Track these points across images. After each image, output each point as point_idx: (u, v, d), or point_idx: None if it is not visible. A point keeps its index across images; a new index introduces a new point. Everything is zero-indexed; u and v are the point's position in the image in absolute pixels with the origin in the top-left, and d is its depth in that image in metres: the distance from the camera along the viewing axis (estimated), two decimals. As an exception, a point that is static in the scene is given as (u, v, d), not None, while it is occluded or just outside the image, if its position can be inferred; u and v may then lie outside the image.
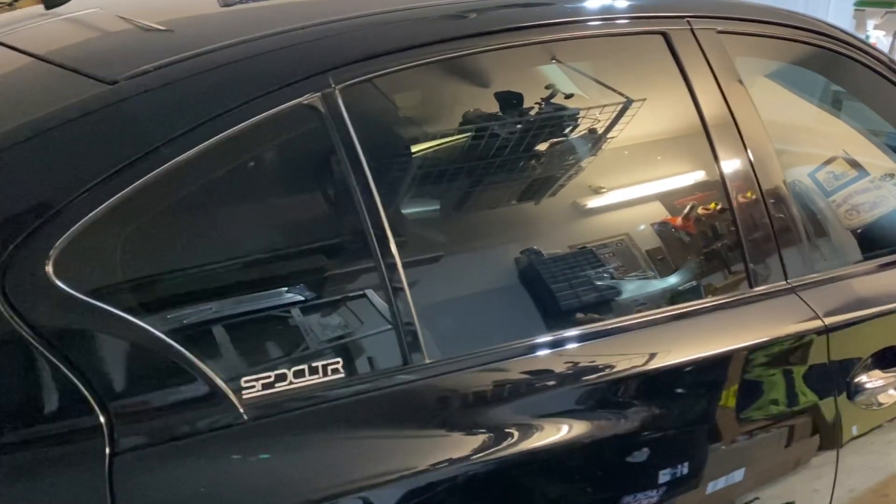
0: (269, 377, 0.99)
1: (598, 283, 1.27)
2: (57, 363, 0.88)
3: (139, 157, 0.95)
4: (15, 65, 1.19)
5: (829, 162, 2.04)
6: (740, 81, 1.48)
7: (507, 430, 1.11)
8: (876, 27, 4.92)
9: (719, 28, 1.49)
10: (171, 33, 1.27)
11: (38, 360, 0.88)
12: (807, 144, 2.15)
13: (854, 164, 2.00)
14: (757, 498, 1.38)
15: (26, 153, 0.95)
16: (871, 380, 1.47)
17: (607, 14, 1.39)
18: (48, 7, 1.45)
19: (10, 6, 1.66)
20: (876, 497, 1.61)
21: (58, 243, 0.89)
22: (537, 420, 1.14)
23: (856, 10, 4.94)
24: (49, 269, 0.89)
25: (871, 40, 4.56)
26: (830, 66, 1.82)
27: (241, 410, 0.96)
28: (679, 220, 1.44)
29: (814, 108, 2.17)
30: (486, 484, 1.09)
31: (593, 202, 1.35)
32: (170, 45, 1.17)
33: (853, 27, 4.90)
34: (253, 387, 0.98)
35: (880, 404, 1.50)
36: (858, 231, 1.86)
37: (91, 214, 0.91)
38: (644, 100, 1.39)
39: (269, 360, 1.00)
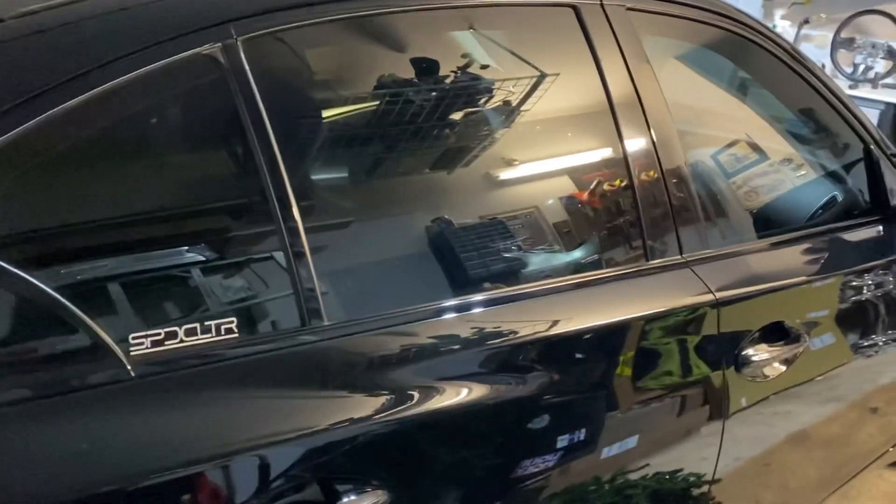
0: (159, 334, 0.96)
1: (505, 252, 1.28)
2: None
3: (23, 100, 0.91)
4: None
5: (731, 145, 2.11)
6: (647, 60, 1.51)
7: (408, 392, 1.11)
8: (782, 17, 5.09)
9: (629, 5, 1.51)
10: None
11: None
12: (711, 127, 2.21)
13: (755, 148, 2.08)
14: (647, 464, 1.43)
15: None
16: (757, 353, 1.53)
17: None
18: None
19: None
20: (758, 466, 1.68)
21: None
22: (439, 382, 1.15)
23: (764, 0, 5.08)
24: None
25: (777, 30, 4.71)
26: (737, 50, 1.87)
27: (129, 367, 0.93)
28: (585, 195, 1.46)
29: (720, 91, 2.22)
30: (385, 445, 1.09)
31: (502, 173, 1.36)
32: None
33: (761, 17, 5.05)
34: (142, 343, 0.95)
35: (766, 377, 1.57)
36: (755, 211, 1.93)
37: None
38: (555, 74, 1.40)
39: (160, 318, 0.98)
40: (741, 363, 1.51)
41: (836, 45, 4.76)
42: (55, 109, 0.92)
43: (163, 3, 1.07)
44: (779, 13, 5.08)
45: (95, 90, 0.95)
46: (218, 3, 1.09)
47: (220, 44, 1.04)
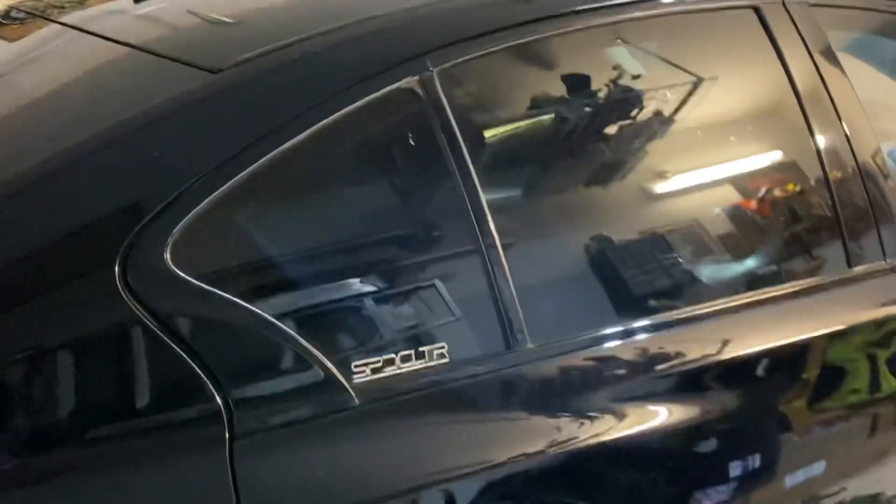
0: (378, 362, 0.98)
1: (704, 265, 1.25)
2: (176, 349, 0.89)
3: (249, 144, 0.96)
4: (116, 55, 1.21)
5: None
6: (834, 55, 1.45)
7: (607, 415, 1.10)
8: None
9: (812, 1, 1.45)
10: (263, 22, 1.28)
11: (159, 345, 0.89)
12: (887, 121, 2.09)
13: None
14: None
15: (142, 142, 0.97)
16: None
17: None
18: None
19: (81, 3, 1.69)
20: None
21: (175, 230, 0.90)
22: (638, 406, 1.13)
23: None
24: (167, 255, 0.89)
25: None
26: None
27: (353, 394, 0.96)
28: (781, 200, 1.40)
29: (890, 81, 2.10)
30: (591, 468, 1.08)
31: (701, 185, 1.33)
32: (267, 33, 1.17)
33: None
34: (363, 371, 0.98)
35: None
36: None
37: (205, 202, 0.92)
38: (741, 76, 1.37)
39: (377, 344, 1.00)
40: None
41: None
42: (277, 150, 0.97)
43: (362, 41, 1.10)
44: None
45: (309, 130, 0.99)
46: (413, 37, 1.12)
47: (417, 76, 1.06)
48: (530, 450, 1.04)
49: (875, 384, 1.35)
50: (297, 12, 1.31)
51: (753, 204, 1.36)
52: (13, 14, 1.60)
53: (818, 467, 1.31)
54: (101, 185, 0.95)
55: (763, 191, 1.37)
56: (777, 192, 1.39)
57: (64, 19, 1.39)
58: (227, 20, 1.27)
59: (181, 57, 1.10)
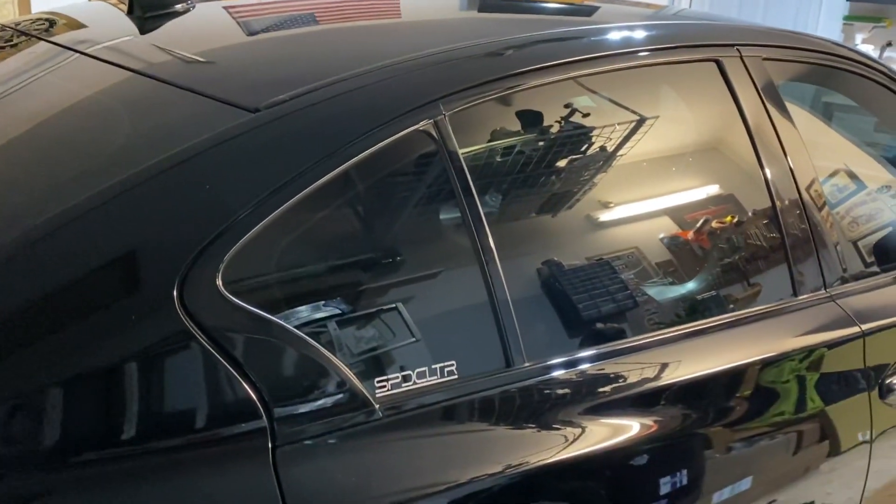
0: (398, 377, 1.09)
1: (680, 291, 1.39)
2: (227, 366, 0.97)
3: (290, 179, 1.05)
4: (150, 89, 1.28)
5: (833, 175, 2.18)
6: (781, 100, 1.62)
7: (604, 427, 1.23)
8: (864, 41, 5.10)
9: (763, 55, 1.63)
10: (294, 62, 1.39)
11: (207, 357, 0.97)
12: (816, 158, 2.28)
13: (853, 177, 2.14)
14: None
15: (192, 175, 1.05)
16: (901, 381, 1.60)
17: (670, 43, 1.52)
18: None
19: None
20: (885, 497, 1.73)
21: (226, 257, 0.99)
22: (625, 419, 1.26)
23: (845, 24, 5.11)
24: (219, 280, 0.98)
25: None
26: (846, 84, 1.95)
27: (377, 407, 1.06)
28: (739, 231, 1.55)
29: (819, 122, 2.30)
30: (583, 477, 1.21)
31: (671, 219, 1.47)
32: (300, 75, 1.26)
33: (842, 40, 5.08)
34: (384, 386, 1.08)
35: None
36: (858, 242, 1.99)
37: (253, 231, 1.00)
38: (707, 121, 1.52)
39: (397, 362, 1.10)
40: (885, 391, 1.58)
41: (918, 66, 4.75)
42: (311, 185, 1.06)
43: (384, 85, 1.20)
44: (860, 37, 5.10)
45: (342, 167, 1.09)
46: (426, 83, 1.22)
47: (431, 120, 1.17)
48: (530, 460, 1.15)
49: (802, 405, 1.49)
50: (318, 54, 1.43)
51: (708, 235, 1.51)
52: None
53: (750, 482, 1.43)
54: (159, 213, 1.03)
55: (718, 222, 1.53)
56: (730, 223, 1.54)
57: (90, 50, 1.46)
58: (264, 58, 1.36)
59: (222, 97, 1.18)
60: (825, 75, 1.90)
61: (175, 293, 0.95)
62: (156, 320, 0.96)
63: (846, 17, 5.17)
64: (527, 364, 1.20)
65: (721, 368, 1.38)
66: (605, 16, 1.82)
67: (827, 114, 2.33)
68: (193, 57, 1.40)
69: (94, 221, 1.00)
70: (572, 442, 1.20)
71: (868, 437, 1.58)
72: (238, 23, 1.66)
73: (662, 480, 1.30)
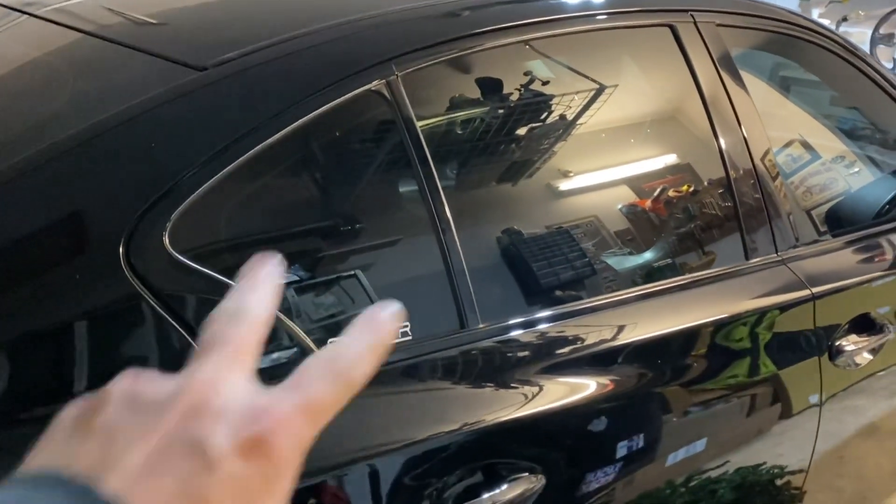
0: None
1: (631, 254, 1.41)
2: (171, 321, 0.96)
3: (236, 138, 1.03)
4: (99, 49, 1.25)
5: (788, 145, 2.21)
6: (735, 67, 1.63)
7: (551, 385, 1.24)
8: (820, 15, 5.17)
9: (717, 21, 1.63)
10: (241, 21, 1.36)
11: (156, 318, 0.96)
12: (771, 128, 2.31)
13: (808, 147, 2.17)
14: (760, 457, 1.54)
15: (139, 133, 1.03)
16: (849, 344, 1.64)
17: (625, 7, 1.52)
18: None
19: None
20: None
21: (173, 216, 0.97)
22: (576, 378, 1.27)
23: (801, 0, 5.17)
24: (166, 240, 0.97)
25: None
26: (798, 51, 1.97)
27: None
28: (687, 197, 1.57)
29: (775, 93, 2.32)
30: (535, 435, 1.22)
31: (618, 181, 1.48)
32: (250, 34, 1.23)
33: (799, 16, 5.12)
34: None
35: (857, 365, 1.67)
36: (811, 211, 2.03)
37: (200, 190, 0.99)
38: (658, 86, 1.53)
39: (345, 323, 1.09)
40: (835, 353, 1.62)
41: (875, 42, 4.84)
42: (261, 145, 1.05)
43: (336, 44, 1.19)
44: (816, 11, 5.16)
45: (292, 126, 1.07)
46: (378, 42, 1.21)
47: (384, 80, 1.16)
48: (483, 418, 1.16)
49: (754, 367, 1.51)
50: (270, 14, 1.39)
51: (665, 204, 1.52)
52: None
53: (704, 443, 1.46)
54: (104, 172, 1.01)
55: (669, 189, 1.54)
56: (682, 190, 1.55)
57: (40, 12, 1.43)
58: (209, 17, 1.33)
59: (169, 55, 1.16)
60: (782, 44, 1.91)
61: (122, 253, 0.94)
62: (102, 281, 0.94)
63: (803, -8, 5.23)
64: (481, 325, 1.20)
65: (675, 329, 1.40)
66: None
67: (784, 85, 2.35)
68: (144, 18, 1.38)
69: (39, 181, 0.98)
70: (530, 400, 1.21)
71: (818, 400, 1.62)
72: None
73: (618, 439, 1.32)
